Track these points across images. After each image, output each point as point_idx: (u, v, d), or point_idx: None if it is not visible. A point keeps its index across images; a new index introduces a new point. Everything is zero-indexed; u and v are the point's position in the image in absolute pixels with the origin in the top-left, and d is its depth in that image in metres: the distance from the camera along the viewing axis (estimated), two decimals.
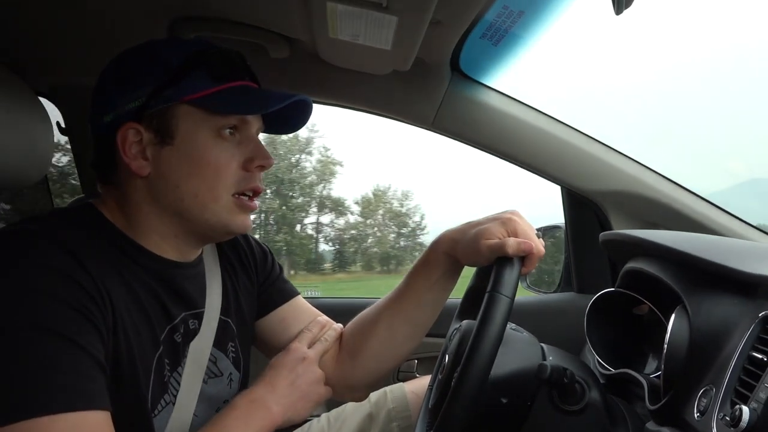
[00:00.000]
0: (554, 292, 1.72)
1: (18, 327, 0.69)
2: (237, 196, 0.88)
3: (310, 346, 1.04)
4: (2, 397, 0.66)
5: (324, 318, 1.12)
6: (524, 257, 0.87)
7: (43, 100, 1.13)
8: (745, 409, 0.62)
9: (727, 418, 0.66)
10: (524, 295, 1.72)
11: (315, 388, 1.00)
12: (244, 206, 0.89)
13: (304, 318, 1.11)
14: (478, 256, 0.92)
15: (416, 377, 1.57)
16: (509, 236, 0.90)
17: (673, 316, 0.86)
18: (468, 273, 1.09)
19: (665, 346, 0.84)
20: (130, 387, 0.80)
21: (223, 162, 0.86)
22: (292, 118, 0.96)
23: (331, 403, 1.41)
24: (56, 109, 1.52)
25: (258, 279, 1.08)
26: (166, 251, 0.89)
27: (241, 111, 0.87)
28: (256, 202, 0.92)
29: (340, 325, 1.12)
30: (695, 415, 0.74)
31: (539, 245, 0.89)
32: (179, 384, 0.89)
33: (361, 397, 1.15)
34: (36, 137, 1.03)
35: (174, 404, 0.88)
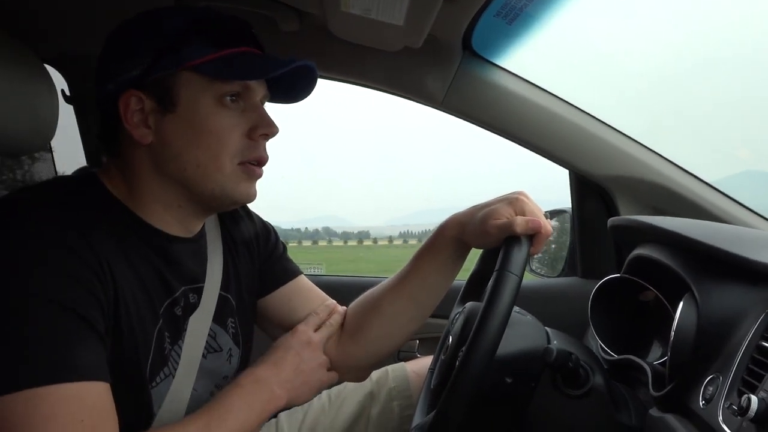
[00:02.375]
0: (558, 276, 1.71)
1: (20, 297, 0.69)
2: (243, 164, 0.86)
3: (316, 330, 1.04)
4: (4, 366, 0.67)
5: (332, 302, 1.12)
6: (532, 236, 0.87)
7: (48, 67, 1.12)
8: (754, 398, 0.61)
9: (734, 407, 0.65)
10: (528, 278, 1.71)
11: (318, 373, 1.01)
12: (250, 173, 0.87)
13: (308, 298, 1.11)
14: (486, 237, 0.91)
15: (417, 357, 1.58)
16: (517, 216, 0.89)
17: (681, 303, 0.85)
18: (473, 256, 1.08)
19: (672, 333, 0.83)
20: (129, 359, 0.80)
21: (226, 130, 0.84)
22: (297, 86, 0.94)
23: None
24: (61, 77, 1.51)
25: (260, 257, 1.08)
26: (169, 224, 0.88)
27: (242, 76, 0.85)
28: (260, 171, 0.90)
29: (345, 308, 1.12)
30: (700, 403, 0.73)
31: (547, 225, 0.88)
32: (180, 357, 0.89)
33: (362, 376, 1.15)
34: (41, 104, 1.02)
35: (173, 377, 0.88)
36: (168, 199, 0.87)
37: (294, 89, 0.94)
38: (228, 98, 0.84)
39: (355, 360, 1.07)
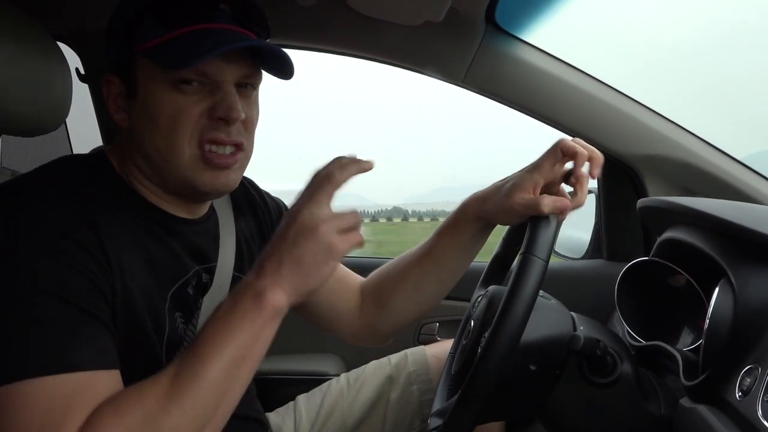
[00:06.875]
0: (582, 258, 1.67)
1: (22, 287, 0.68)
2: (204, 150, 0.80)
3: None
4: (6, 357, 0.66)
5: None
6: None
7: (62, 45, 1.09)
8: None
9: None
10: (551, 259, 1.68)
11: (323, 267, 0.70)
12: (209, 162, 0.81)
13: None
14: (511, 214, 0.90)
15: (438, 340, 1.56)
16: (542, 180, 0.87)
17: (716, 289, 0.82)
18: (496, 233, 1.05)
19: (707, 320, 0.79)
20: (142, 340, 0.79)
21: (182, 114, 0.79)
22: (280, 61, 0.83)
23: (350, 364, 1.40)
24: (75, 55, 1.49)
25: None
26: (172, 204, 0.87)
27: (183, 63, 0.76)
28: (230, 160, 0.82)
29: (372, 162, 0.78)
30: (737, 395, 0.70)
31: (581, 198, 0.86)
32: (194, 335, 0.88)
33: (382, 341, 1.16)
34: (53, 83, 0.99)
35: None
36: (152, 182, 0.85)
37: (277, 63, 0.84)
38: (184, 84, 0.78)
39: (376, 329, 1.11)
